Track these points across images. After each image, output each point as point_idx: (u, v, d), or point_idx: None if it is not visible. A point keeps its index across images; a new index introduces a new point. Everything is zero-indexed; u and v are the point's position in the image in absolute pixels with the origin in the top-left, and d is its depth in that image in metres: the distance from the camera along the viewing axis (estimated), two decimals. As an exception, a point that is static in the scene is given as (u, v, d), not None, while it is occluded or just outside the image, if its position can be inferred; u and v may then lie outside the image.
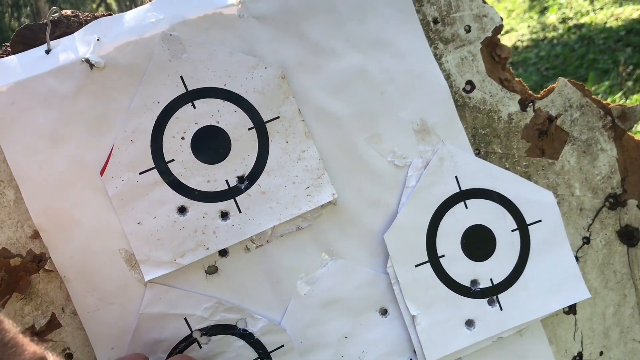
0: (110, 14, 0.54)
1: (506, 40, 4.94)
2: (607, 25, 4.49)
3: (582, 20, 4.81)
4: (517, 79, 0.61)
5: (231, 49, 0.54)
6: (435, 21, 0.58)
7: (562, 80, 0.60)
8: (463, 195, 0.58)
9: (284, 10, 0.55)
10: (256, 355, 0.55)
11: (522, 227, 0.58)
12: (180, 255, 0.53)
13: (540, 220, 0.59)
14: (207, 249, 0.54)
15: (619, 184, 0.61)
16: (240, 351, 0.55)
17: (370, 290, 0.57)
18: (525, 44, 4.69)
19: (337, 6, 0.56)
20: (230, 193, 0.54)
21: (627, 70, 3.34)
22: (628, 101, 2.78)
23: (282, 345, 0.56)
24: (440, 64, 0.58)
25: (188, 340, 0.55)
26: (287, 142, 0.55)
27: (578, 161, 0.60)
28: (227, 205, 0.54)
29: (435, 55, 0.58)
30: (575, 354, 0.61)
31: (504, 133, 0.59)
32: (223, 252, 0.55)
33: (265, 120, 0.55)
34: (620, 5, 4.78)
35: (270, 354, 0.56)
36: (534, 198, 0.59)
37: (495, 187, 0.58)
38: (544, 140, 0.60)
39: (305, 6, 0.55)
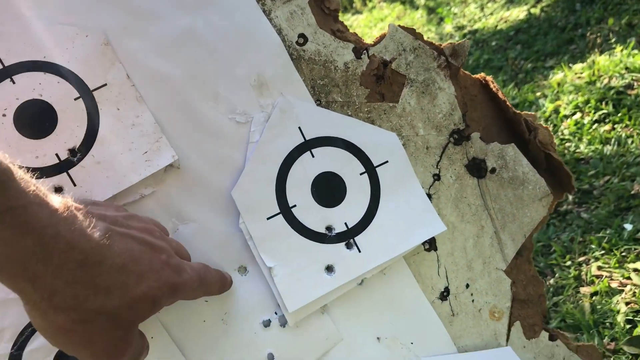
0: None
1: (407, 52, 5.11)
2: (498, 28, 4.73)
3: (476, 27, 5.05)
4: (351, 31, 0.63)
5: (48, 22, 0.53)
6: (260, -22, 0.58)
7: (392, 25, 0.62)
8: (308, 145, 0.58)
9: (100, -22, 0.54)
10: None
11: (370, 169, 0.59)
12: (13, 236, 0.51)
13: (387, 161, 0.59)
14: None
15: (461, 120, 0.63)
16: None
17: (226, 250, 0.56)
18: (425, 53, 4.86)
19: (156, -30, 0.55)
20: (62, 167, 0.52)
21: (517, 65, 3.53)
22: (520, 91, 2.93)
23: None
24: (270, 20, 0.58)
25: (33, 326, 0.51)
26: (118, 109, 0.54)
27: (418, 102, 0.62)
28: (60, 179, 0.52)
29: (264, 11, 0.58)
30: (442, 290, 0.62)
31: (342, 82, 0.60)
32: (63, 230, 0.53)
33: (91, 89, 0.53)
34: (508, 9, 5.06)
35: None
36: (378, 140, 0.59)
37: (339, 134, 0.59)
38: (382, 85, 0.61)
39: (122, -28, 0.55)
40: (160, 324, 0.54)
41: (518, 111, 0.63)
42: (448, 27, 5.24)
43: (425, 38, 0.62)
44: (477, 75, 0.65)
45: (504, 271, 0.63)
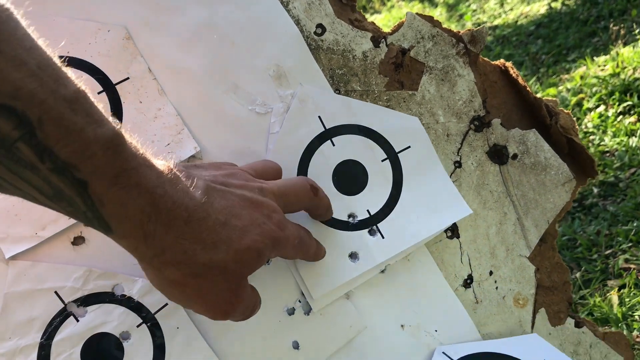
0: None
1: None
2: (519, 23, 4.69)
3: (496, 22, 5.01)
4: (369, 20, 0.63)
5: (71, 18, 0.54)
6: (277, -30, 0.59)
7: (410, 13, 0.62)
8: (329, 134, 0.58)
9: (120, -27, 0.55)
10: (140, 320, 0.54)
11: (392, 155, 0.59)
12: (41, 228, 0.52)
13: (409, 147, 0.60)
14: (70, 218, 0.52)
15: (481, 106, 0.63)
16: (122, 318, 0.53)
17: (248, 240, 0.57)
18: (445, 51, 4.83)
19: (174, -36, 0.56)
20: (88, 158, 0.53)
21: (539, 59, 3.49)
22: (542, 85, 2.90)
23: (166, 304, 0.54)
24: (288, 11, 0.59)
25: (63, 315, 0.52)
26: (140, 102, 0.55)
27: (438, 89, 0.62)
28: (86, 171, 0.53)
29: (282, 2, 0.59)
30: (466, 277, 0.61)
31: (361, 71, 0.60)
32: (89, 221, 0.54)
33: (114, 82, 0.54)
34: (528, 4, 5.01)
35: (155, 315, 0.54)
36: (400, 126, 0.60)
37: (359, 121, 0.59)
38: (401, 73, 0.61)
39: (142, -33, 0.55)
40: (186, 313, 0.55)
41: (539, 97, 0.63)
42: (468, 24, 5.21)
43: (443, 27, 0.62)
44: (497, 62, 0.65)
45: (527, 258, 0.63)
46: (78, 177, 0.36)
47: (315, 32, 0.59)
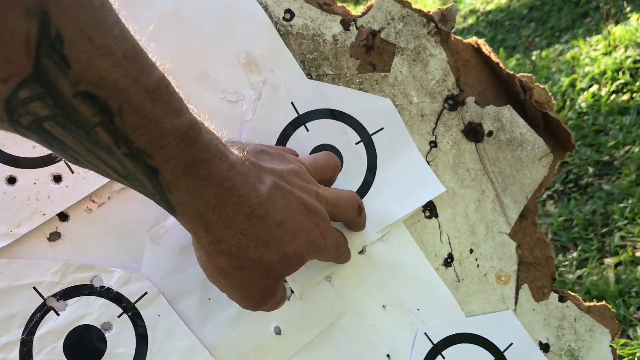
0: None
1: (421, 39, 5.08)
2: (511, 7, 4.67)
3: (489, 8, 4.99)
4: (339, 4, 0.63)
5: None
6: (243, -42, 0.59)
7: (378, -5, 0.62)
8: (302, 119, 0.58)
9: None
10: (120, 310, 0.54)
11: (366, 138, 0.59)
12: (16, 226, 0.52)
13: (382, 128, 0.60)
14: (44, 214, 0.53)
15: (454, 85, 0.62)
16: (102, 310, 0.54)
17: (225, 228, 0.57)
18: (439, 39, 4.82)
19: (139, -44, 0.56)
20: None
21: (532, 42, 3.48)
22: (534, 68, 2.89)
23: (146, 293, 0.54)
24: (255, -2, 0.59)
25: (43, 309, 0.53)
26: (111, 95, 0.55)
27: (410, 70, 0.62)
28: (58, 167, 0.53)
29: (249, -10, 0.59)
30: (446, 256, 0.61)
31: (332, 54, 0.60)
32: (64, 217, 0.54)
33: (83, 77, 0.54)
34: (521, -13, 4.98)
35: (135, 304, 0.54)
36: (372, 108, 0.60)
37: (332, 105, 0.59)
38: (372, 55, 0.61)
39: (106, -40, 0.55)
40: (168, 302, 0.55)
41: (512, 72, 0.63)
42: (461, 11, 5.18)
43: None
44: (469, 40, 0.64)
45: (508, 234, 0.63)
46: (150, 164, 0.37)
47: (284, 18, 0.59)
